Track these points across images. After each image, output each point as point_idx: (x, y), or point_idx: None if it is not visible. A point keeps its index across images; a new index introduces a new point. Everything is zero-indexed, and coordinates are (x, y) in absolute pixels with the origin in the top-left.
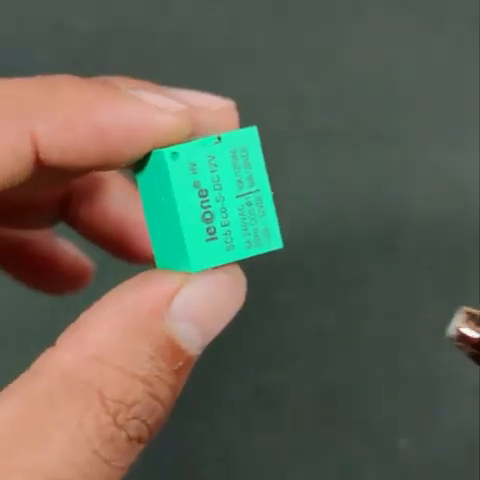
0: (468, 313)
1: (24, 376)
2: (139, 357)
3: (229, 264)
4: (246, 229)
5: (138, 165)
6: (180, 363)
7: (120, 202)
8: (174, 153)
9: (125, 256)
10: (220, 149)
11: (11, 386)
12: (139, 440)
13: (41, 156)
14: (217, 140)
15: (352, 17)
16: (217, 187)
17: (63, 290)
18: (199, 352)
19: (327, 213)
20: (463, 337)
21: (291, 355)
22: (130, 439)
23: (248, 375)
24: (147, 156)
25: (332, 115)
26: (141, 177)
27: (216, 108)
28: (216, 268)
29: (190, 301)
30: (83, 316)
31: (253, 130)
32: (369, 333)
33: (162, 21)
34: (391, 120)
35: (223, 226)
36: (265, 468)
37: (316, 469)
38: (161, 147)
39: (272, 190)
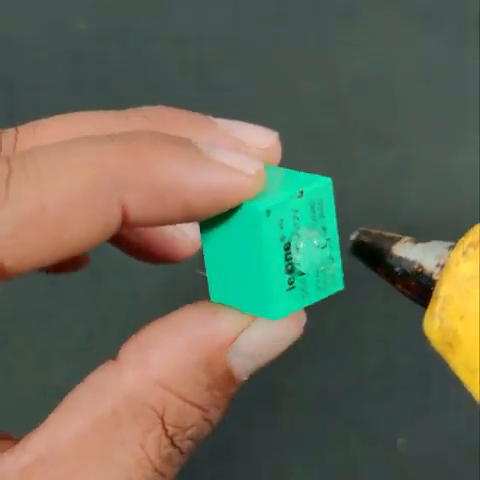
0: (363, 231)
1: (85, 394)
2: (199, 387)
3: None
4: (318, 276)
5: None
6: (232, 390)
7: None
8: (268, 211)
9: (141, 257)
10: (302, 203)
11: (71, 404)
12: (188, 453)
13: (129, 222)
14: (300, 194)
15: (352, 18)
16: (297, 238)
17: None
18: (248, 379)
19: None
20: (358, 243)
21: (292, 355)
22: (182, 454)
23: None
24: None
25: (331, 116)
26: (206, 225)
27: (266, 145)
28: None
29: (253, 340)
30: (149, 332)
31: (329, 183)
32: (368, 333)
33: (162, 23)
34: (390, 121)
35: (300, 275)
36: (265, 466)
37: (316, 468)
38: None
39: None
